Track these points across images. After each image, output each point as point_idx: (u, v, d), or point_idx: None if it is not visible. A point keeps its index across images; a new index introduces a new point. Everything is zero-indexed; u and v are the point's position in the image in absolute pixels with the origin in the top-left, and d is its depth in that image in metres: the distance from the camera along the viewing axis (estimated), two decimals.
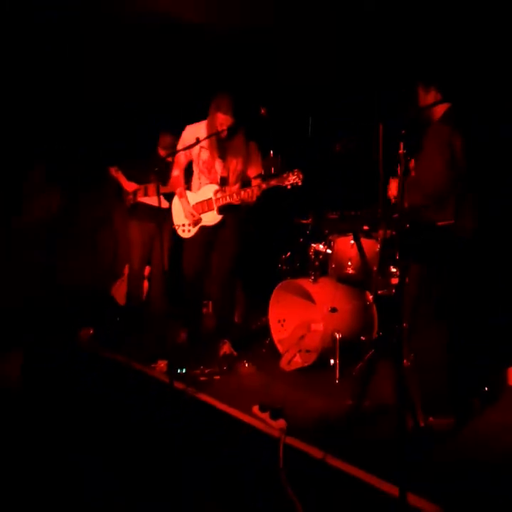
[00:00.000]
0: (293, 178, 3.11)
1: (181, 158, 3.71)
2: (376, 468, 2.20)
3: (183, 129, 3.70)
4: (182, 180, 3.77)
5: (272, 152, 4.44)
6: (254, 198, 3.39)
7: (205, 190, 3.70)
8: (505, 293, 3.26)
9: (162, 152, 4.49)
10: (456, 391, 2.58)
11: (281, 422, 2.62)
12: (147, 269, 4.77)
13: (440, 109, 2.59)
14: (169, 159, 4.00)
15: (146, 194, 4.45)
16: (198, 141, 3.28)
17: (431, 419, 2.55)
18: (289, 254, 4.38)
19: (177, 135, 3.84)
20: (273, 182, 3.24)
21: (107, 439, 2.84)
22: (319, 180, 4.27)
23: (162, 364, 3.53)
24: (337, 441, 2.47)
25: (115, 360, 3.84)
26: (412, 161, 2.53)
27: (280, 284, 3.86)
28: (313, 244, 3.84)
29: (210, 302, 5.00)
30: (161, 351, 3.60)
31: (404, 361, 3.31)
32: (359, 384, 2.79)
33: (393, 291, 3.51)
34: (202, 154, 3.63)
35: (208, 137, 3.41)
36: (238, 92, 3.56)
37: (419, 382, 2.65)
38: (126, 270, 4.87)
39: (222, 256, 3.78)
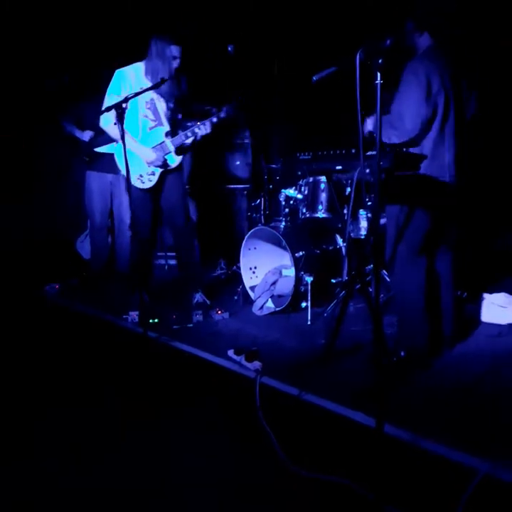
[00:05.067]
0: (231, 107, 3.33)
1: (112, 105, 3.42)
2: (350, 401, 2.26)
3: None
4: (123, 129, 3.53)
5: (239, 97, 4.31)
6: (208, 132, 3.39)
7: (154, 134, 3.50)
8: (478, 231, 3.33)
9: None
10: (431, 327, 2.65)
11: (256, 364, 2.65)
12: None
13: (423, 44, 2.52)
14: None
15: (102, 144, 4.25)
16: (162, 81, 3.07)
17: (403, 353, 2.62)
18: (258, 201, 4.33)
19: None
20: (222, 113, 3.35)
21: (81, 392, 2.82)
22: (289, 122, 4.19)
23: (134, 315, 3.49)
24: (311, 378, 2.52)
25: (85, 314, 3.78)
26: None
27: (251, 232, 3.83)
28: (283, 190, 3.80)
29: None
30: (130, 304, 3.56)
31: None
32: (331, 324, 2.83)
33: (363, 234, 3.54)
34: (145, 96, 3.35)
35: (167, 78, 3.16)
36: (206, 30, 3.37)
37: (397, 318, 2.71)
38: None
39: (173, 201, 3.63)
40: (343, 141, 2.49)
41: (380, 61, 1.71)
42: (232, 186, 4.90)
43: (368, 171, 2.34)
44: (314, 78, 1.97)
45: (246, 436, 2.33)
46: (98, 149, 4.25)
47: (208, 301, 3.72)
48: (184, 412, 2.53)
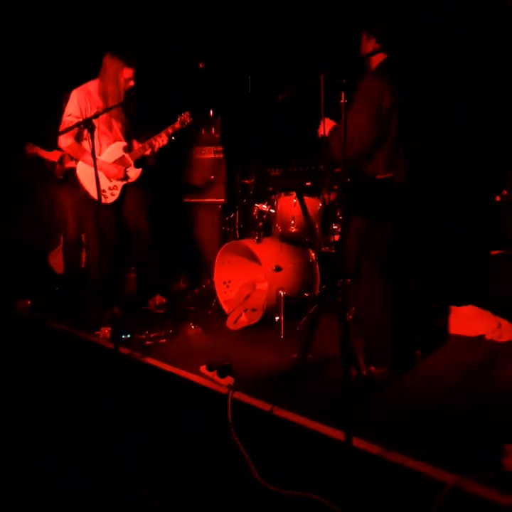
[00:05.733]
0: (186, 117, 3.58)
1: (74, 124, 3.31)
2: (320, 415, 2.28)
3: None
4: (83, 147, 3.56)
5: (211, 111, 4.36)
6: (164, 143, 3.60)
7: (112, 150, 3.61)
8: (441, 246, 3.41)
9: None
10: (398, 341, 2.68)
11: (228, 379, 2.64)
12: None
13: (376, 61, 2.58)
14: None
15: (72, 158, 4.23)
16: (129, 95, 3.19)
17: (372, 368, 2.65)
18: (232, 215, 4.35)
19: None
20: (177, 125, 3.60)
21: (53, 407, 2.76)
22: (260, 139, 4.26)
23: (106, 331, 3.45)
24: (283, 392, 2.53)
25: (56, 329, 3.72)
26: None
27: (225, 246, 3.84)
28: (256, 205, 3.83)
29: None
30: (103, 319, 3.53)
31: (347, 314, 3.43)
32: (303, 338, 2.85)
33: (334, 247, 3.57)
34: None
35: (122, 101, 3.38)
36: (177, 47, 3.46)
37: (362, 334, 2.74)
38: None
39: (136, 212, 3.74)
40: (313, 158, 2.53)
41: (343, 81, 1.75)
42: (206, 200, 4.91)
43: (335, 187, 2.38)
44: (279, 97, 2.01)
45: (220, 451, 2.32)
46: (69, 165, 4.22)
47: (165, 300, 3.88)
48: (159, 427, 2.50)
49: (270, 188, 3.48)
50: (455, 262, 3.41)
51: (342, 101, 1.74)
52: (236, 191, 4.34)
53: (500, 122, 3.60)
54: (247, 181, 4.12)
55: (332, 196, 2.87)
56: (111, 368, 2.95)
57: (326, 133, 2.47)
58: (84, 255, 4.70)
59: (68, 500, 1.96)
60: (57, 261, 4.93)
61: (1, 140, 4.72)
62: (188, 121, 3.60)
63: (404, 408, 2.40)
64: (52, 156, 4.22)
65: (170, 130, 3.59)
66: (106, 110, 3.09)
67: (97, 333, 3.47)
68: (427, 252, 2.99)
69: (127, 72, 3.39)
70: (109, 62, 3.41)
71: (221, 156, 4.80)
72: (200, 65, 3.06)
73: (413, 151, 2.58)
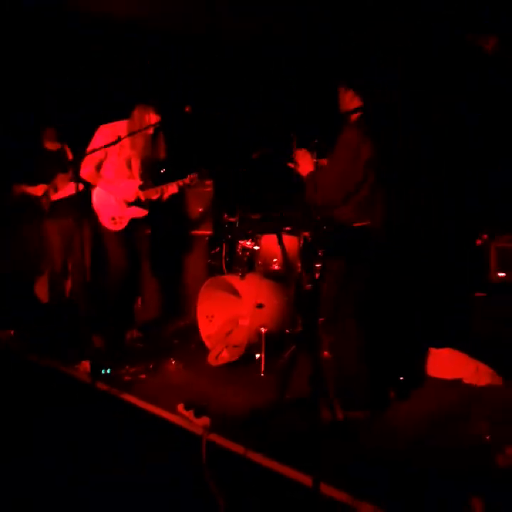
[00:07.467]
0: (194, 177, 3.90)
1: (96, 156, 3.72)
2: (294, 460, 2.29)
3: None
4: (100, 174, 3.83)
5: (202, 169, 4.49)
6: (175, 192, 3.95)
7: (127, 185, 3.84)
8: (419, 289, 3.47)
9: (50, 145, 4.38)
10: (373, 384, 2.71)
11: (204, 420, 2.65)
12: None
13: (356, 112, 2.68)
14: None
15: (56, 191, 4.34)
16: (119, 138, 3.37)
17: (347, 412, 2.66)
18: (217, 249, 4.40)
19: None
20: (187, 181, 3.92)
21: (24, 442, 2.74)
22: (243, 182, 4.41)
23: (86, 364, 3.45)
24: (258, 434, 2.54)
25: (34, 361, 3.71)
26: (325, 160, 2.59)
27: (208, 281, 3.88)
28: (240, 241, 3.89)
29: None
30: (85, 352, 3.53)
31: (325, 354, 3.46)
32: (281, 377, 2.87)
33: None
34: (122, 151, 3.79)
35: (132, 133, 3.61)
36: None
37: (337, 375, 2.76)
38: None
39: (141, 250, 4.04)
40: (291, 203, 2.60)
41: (315, 141, 1.83)
42: (193, 232, 4.97)
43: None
44: (253, 157, 2.09)
45: (195, 493, 2.31)
46: (55, 197, 4.32)
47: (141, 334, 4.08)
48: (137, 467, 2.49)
49: (250, 231, 3.56)
50: (434, 304, 3.46)
51: (314, 160, 1.81)
52: (222, 226, 4.41)
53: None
54: (232, 219, 4.20)
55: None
56: (88, 403, 2.95)
57: (304, 174, 2.55)
58: (68, 284, 4.72)
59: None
60: (42, 289, 4.94)
61: None
62: (195, 181, 3.93)
63: (372, 456, 2.40)
64: (37, 190, 4.32)
65: (180, 183, 3.92)
66: (108, 144, 3.32)
67: (77, 366, 3.48)
68: (405, 295, 3.03)
69: (153, 118, 3.68)
70: (139, 109, 3.71)
71: (209, 189, 4.89)
72: (187, 109, 3.16)
73: (393, 196, 2.66)
